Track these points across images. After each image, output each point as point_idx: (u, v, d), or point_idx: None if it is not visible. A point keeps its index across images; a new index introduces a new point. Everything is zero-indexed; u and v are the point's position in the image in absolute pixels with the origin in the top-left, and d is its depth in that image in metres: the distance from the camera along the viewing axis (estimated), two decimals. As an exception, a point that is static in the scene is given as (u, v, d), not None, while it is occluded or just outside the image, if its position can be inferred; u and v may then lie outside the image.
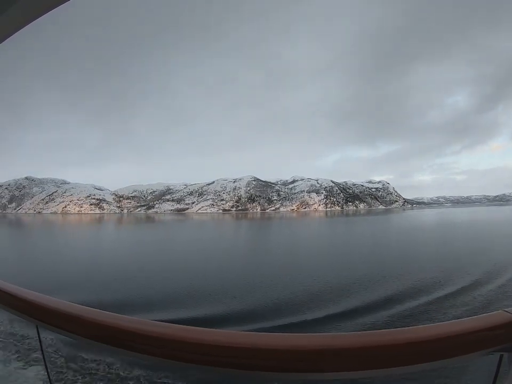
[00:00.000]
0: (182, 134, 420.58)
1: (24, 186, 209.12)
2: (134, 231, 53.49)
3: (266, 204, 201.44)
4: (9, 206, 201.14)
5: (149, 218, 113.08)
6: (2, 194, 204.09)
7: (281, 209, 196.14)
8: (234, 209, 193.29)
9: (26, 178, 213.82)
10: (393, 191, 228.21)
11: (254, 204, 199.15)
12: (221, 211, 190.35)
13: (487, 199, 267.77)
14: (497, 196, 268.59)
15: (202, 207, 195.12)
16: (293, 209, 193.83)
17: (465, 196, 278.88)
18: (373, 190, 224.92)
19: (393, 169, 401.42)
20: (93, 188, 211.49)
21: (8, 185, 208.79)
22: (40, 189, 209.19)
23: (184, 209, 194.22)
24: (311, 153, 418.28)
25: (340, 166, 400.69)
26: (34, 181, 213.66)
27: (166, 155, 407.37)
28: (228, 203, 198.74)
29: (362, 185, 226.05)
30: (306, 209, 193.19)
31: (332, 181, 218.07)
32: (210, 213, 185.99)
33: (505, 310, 0.81)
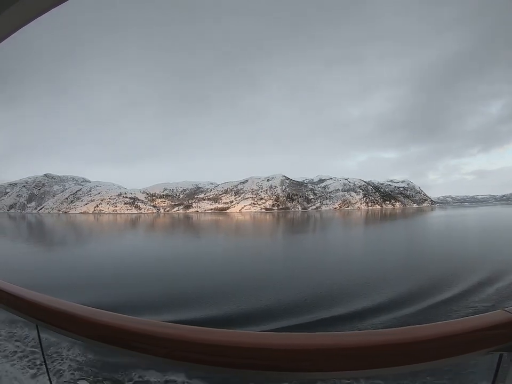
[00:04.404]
0: (230, 134, 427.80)
1: (43, 184, 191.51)
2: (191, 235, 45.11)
3: (305, 203, 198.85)
4: (28, 205, 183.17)
5: (194, 219, 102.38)
6: (20, 192, 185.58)
7: (323, 208, 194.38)
8: (276, 208, 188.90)
9: (45, 175, 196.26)
10: (420, 190, 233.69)
11: (293, 203, 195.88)
12: (263, 210, 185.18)
13: (494, 198, 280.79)
14: (504, 195, 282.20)
15: (245, 206, 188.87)
16: (335, 208, 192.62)
17: (471, 195, 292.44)
18: (401, 189, 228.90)
19: (409, 169, 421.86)
20: (118, 187, 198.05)
21: (26, 182, 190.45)
22: (61, 187, 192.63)
23: (224, 209, 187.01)
24: (339, 154, 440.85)
25: (364, 166, 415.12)
26: (54, 178, 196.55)
27: (194, 154, 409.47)
28: (268, 202, 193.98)
29: (390, 184, 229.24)
30: (349, 208, 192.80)
31: (362, 180, 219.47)
32: (254, 212, 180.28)
33: (505, 309, 0.80)
